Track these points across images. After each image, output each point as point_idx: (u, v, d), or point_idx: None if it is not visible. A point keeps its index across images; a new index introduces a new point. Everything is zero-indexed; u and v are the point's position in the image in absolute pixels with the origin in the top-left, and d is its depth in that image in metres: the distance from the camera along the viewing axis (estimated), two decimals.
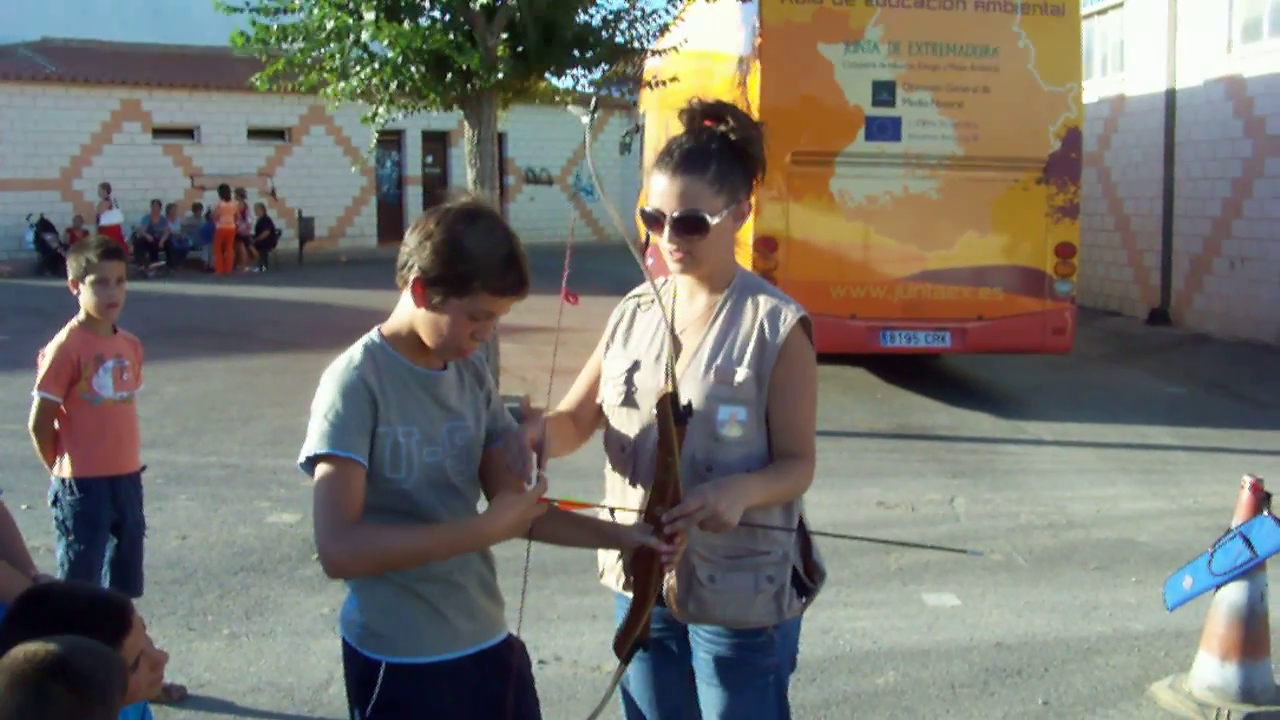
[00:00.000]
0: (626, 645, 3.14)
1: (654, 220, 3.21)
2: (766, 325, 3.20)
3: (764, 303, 3.24)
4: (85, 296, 5.37)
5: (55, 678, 2.12)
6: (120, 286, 5.42)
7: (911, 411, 12.81)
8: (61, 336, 5.38)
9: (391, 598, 2.95)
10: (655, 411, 3.03)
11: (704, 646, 3.29)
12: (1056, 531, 8.50)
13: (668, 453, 2.97)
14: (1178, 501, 9.37)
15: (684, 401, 3.00)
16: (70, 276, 5.40)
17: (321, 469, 2.80)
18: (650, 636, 3.19)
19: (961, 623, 6.73)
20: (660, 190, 3.20)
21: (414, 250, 2.88)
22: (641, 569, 3.06)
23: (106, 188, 27.40)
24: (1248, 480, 5.61)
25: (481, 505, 3.02)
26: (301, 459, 2.84)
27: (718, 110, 3.28)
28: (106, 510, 5.46)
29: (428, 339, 2.94)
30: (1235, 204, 17.65)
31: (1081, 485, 9.86)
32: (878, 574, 7.47)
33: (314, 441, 2.81)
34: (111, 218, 26.87)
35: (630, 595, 3.29)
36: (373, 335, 3.00)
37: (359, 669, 3.00)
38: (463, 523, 2.93)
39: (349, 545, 2.74)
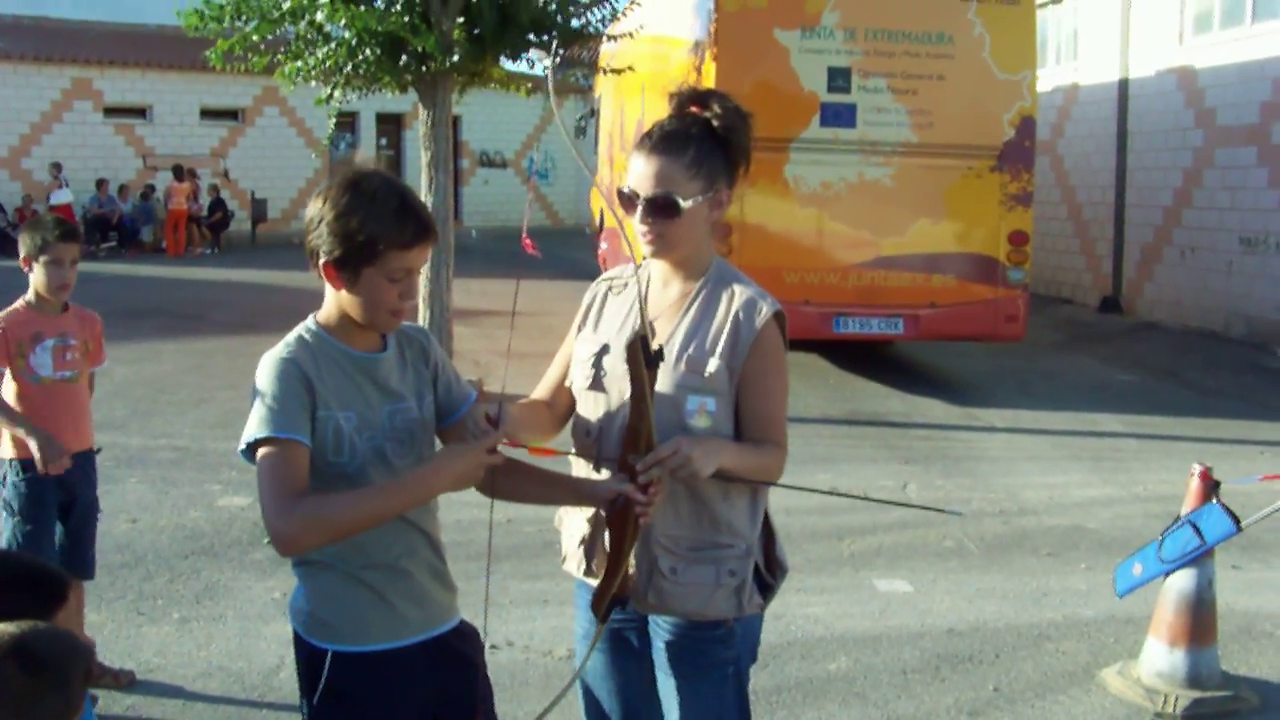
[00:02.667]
0: (604, 603, 3.09)
1: (628, 200, 3.19)
2: (741, 317, 3.17)
3: (739, 294, 3.21)
4: (37, 275, 5.25)
5: (9, 659, 2.09)
6: (73, 268, 5.32)
7: (864, 398, 12.86)
8: (1, 312, 5.31)
9: (337, 586, 2.93)
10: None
11: (663, 637, 3.27)
12: (1008, 518, 8.55)
13: (640, 399, 2.93)
14: (1127, 489, 9.45)
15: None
16: (22, 254, 5.28)
17: (263, 452, 2.75)
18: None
19: (913, 609, 6.76)
20: (637, 171, 3.18)
21: (313, 236, 2.87)
22: (617, 523, 3.01)
23: (58, 167, 27.14)
24: (1197, 468, 5.65)
25: None
26: (242, 445, 2.79)
27: (704, 97, 3.26)
28: (52, 491, 5.33)
29: (357, 315, 2.91)
30: (1186, 194, 17.79)
31: (1032, 472, 9.92)
32: (830, 560, 7.50)
33: (253, 427, 2.77)
34: (61, 197, 26.62)
35: (591, 582, 3.28)
36: (308, 323, 2.97)
37: (306, 657, 2.97)
38: (408, 476, 2.87)
39: (297, 517, 2.68)
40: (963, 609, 6.77)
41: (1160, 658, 5.66)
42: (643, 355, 2.90)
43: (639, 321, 3.06)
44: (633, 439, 2.98)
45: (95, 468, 5.64)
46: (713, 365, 3.15)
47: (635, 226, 3.20)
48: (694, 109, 3.25)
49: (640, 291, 3.12)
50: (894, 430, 11.36)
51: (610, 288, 3.43)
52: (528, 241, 3.23)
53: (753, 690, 3.42)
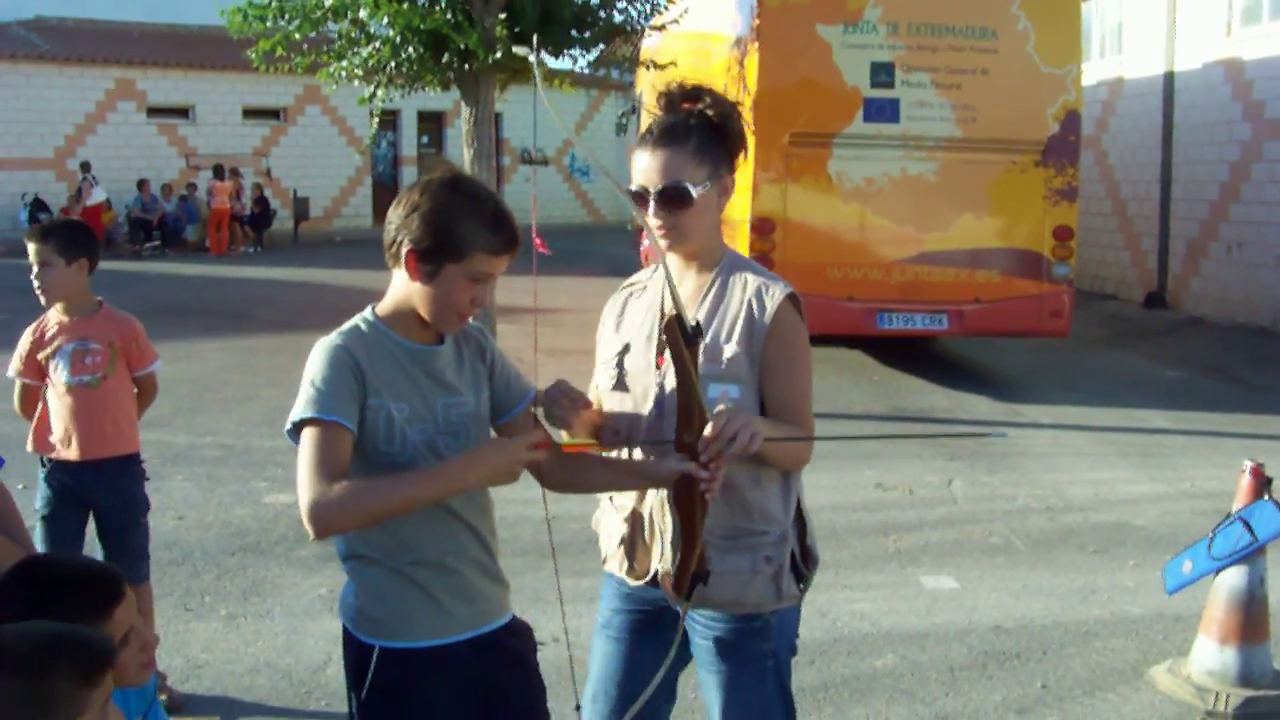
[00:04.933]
0: (685, 581, 3.02)
1: (639, 198, 3.22)
2: (754, 303, 3.19)
3: (751, 281, 3.24)
4: None
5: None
6: (46, 270, 5.21)
7: (908, 394, 12.79)
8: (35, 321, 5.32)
9: (385, 582, 2.94)
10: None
11: (701, 632, 3.27)
12: (1054, 515, 8.49)
13: (686, 376, 2.90)
14: (1174, 485, 9.37)
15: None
16: None
17: (307, 433, 2.77)
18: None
19: (959, 606, 6.73)
20: (643, 167, 3.22)
21: (401, 225, 2.88)
22: (684, 502, 2.98)
23: (86, 166, 27.25)
24: (1248, 465, 5.59)
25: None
26: (288, 426, 2.83)
27: (695, 93, 3.31)
28: (64, 494, 5.27)
29: (426, 311, 2.92)
30: (1233, 188, 17.63)
31: (1078, 468, 9.85)
32: (875, 556, 7.47)
33: (300, 408, 2.80)
34: (96, 196, 26.77)
35: (632, 581, 3.28)
36: (365, 314, 2.98)
37: (355, 653, 2.98)
38: (444, 465, 2.86)
39: (332, 498, 2.68)
40: (1010, 606, 6.73)
41: (1211, 656, 5.61)
42: (680, 333, 2.88)
43: (665, 310, 3.05)
44: (685, 417, 2.95)
45: (127, 475, 5.47)
46: (729, 351, 3.17)
47: (648, 221, 3.22)
48: (686, 105, 3.30)
49: (666, 276, 3.11)
50: (938, 426, 11.29)
51: (631, 293, 3.47)
52: (538, 240, 3.26)
53: (800, 687, 3.42)
